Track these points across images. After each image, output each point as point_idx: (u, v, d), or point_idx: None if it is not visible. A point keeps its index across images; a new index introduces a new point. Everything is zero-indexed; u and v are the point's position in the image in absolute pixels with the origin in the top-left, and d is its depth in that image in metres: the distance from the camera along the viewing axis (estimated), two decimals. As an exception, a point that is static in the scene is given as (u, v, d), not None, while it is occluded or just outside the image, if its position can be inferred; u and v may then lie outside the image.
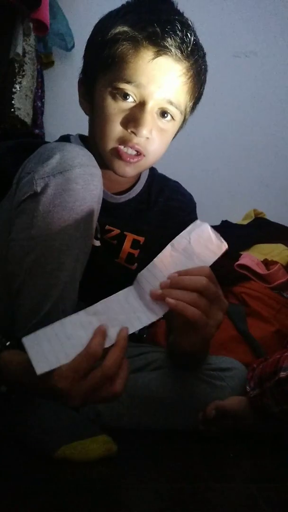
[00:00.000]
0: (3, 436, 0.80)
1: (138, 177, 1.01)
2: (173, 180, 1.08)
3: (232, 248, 1.58)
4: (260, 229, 1.76)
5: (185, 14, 0.89)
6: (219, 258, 0.72)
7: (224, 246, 0.72)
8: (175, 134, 0.95)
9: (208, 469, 0.77)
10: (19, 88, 1.72)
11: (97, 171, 0.78)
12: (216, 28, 2.08)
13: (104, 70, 0.86)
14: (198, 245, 0.70)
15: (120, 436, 0.80)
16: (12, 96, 1.70)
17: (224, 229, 1.78)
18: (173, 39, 0.81)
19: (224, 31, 2.10)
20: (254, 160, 2.12)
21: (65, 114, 1.87)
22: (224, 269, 1.47)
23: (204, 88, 0.93)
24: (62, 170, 0.75)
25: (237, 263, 1.46)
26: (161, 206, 1.02)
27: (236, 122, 2.12)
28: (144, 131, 0.84)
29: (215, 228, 0.74)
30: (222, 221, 1.83)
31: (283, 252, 1.59)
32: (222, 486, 0.69)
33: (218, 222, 1.82)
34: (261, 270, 1.45)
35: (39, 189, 0.74)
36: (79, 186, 0.75)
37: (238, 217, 1.93)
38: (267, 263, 1.50)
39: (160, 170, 1.07)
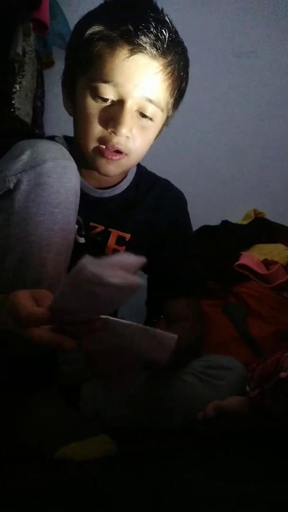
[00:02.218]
0: (3, 436, 0.80)
1: (124, 175, 1.01)
2: (163, 178, 1.08)
3: (232, 248, 1.60)
4: (260, 229, 1.76)
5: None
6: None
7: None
8: (160, 132, 0.94)
9: (208, 469, 0.77)
10: (19, 88, 1.72)
11: (70, 163, 0.78)
12: (217, 28, 2.08)
13: (82, 70, 0.87)
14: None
15: (120, 436, 0.80)
16: (12, 96, 1.70)
17: (224, 229, 1.78)
18: (147, 36, 0.82)
19: (224, 31, 2.10)
20: (254, 160, 2.12)
21: (65, 114, 1.86)
22: (224, 269, 1.47)
23: (186, 84, 0.93)
24: (34, 165, 0.74)
25: (237, 263, 1.46)
26: (150, 204, 1.02)
27: (236, 122, 2.12)
28: (124, 130, 0.84)
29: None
30: (222, 221, 1.83)
31: (283, 252, 1.58)
32: (222, 486, 0.69)
33: (218, 222, 1.82)
34: (261, 270, 1.45)
35: (12, 186, 0.74)
36: (52, 180, 0.74)
37: (238, 217, 1.93)
38: (267, 263, 1.50)
39: (159, 170, 1.07)
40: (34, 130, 1.87)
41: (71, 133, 1.04)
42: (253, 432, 0.90)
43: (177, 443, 0.90)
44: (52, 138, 1.00)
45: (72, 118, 0.94)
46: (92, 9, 0.88)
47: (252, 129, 2.12)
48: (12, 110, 1.69)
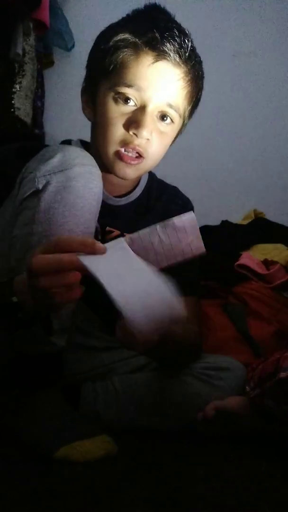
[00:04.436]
0: (3, 436, 0.80)
1: (137, 181, 1.04)
2: (172, 186, 1.12)
3: (232, 248, 1.60)
4: (260, 229, 1.76)
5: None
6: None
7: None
8: (174, 139, 0.97)
9: (208, 469, 0.77)
10: (19, 88, 1.72)
11: (96, 170, 0.80)
12: (216, 28, 2.08)
13: (106, 76, 0.90)
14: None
15: (120, 436, 0.80)
16: (12, 96, 1.70)
17: (224, 229, 1.78)
18: (172, 44, 0.85)
19: (224, 31, 2.10)
20: (254, 160, 2.12)
21: (65, 113, 1.87)
22: (224, 269, 1.47)
23: (201, 94, 0.96)
24: (63, 168, 0.77)
25: (237, 263, 1.46)
26: (160, 210, 1.05)
27: (236, 122, 2.12)
28: (145, 132, 0.87)
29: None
30: (222, 221, 1.83)
31: (283, 252, 1.59)
32: (222, 486, 0.69)
33: (218, 222, 1.82)
34: (261, 270, 1.45)
35: (40, 186, 0.76)
36: (79, 184, 0.77)
37: (238, 217, 1.93)
38: (267, 263, 1.50)
39: (161, 170, 1.08)
40: (34, 130, 1.87)
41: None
42: (253, 432, 0.90)
43: (177, 444, 0.90)
44: (68, 142, 1.02)
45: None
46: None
47: (252, 129, 2.12)
48: (12, 110, 1.70)
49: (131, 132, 0.87)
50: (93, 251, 0.63)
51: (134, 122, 0.87)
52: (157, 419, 0.96)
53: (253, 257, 1.51)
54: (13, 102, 1.70)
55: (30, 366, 0.80)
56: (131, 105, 0.88)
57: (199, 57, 0.93)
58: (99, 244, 0.63)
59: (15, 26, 1.71)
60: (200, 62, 0.93)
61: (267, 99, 2.12)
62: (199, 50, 0.93)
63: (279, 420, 0.85)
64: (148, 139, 0.88)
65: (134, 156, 0.89)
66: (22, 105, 1.73)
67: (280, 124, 2.13)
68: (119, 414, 0.97)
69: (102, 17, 0.93)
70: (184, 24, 0.91)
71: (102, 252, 0.63)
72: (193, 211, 1.11)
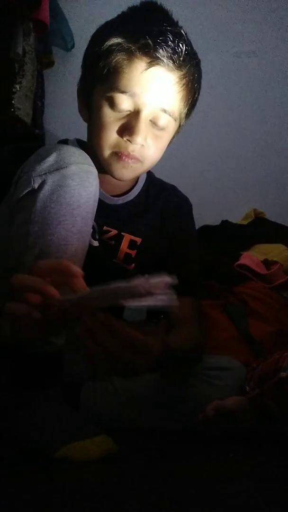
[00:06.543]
0: (3, 435, 0.80)
1: (135, 181, 1.04)
2: (170, 184, 1.11)
3: (232, 248, 1.61)
4: (260, 229, 1.77)
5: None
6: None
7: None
8: (171, 139, 0.97)
9: (208, 469, 0.77)
10: (19, 88, 1.72)
11: (92, 169, 0.80)
12: (217, 28, 2.08)
13: (100, 80, 0.89)
14: None
15: (120, 436, 0.80)
16: (12, 96, 1.70)
17: (224, 229, 1.78)
18: (165, 50, 0.85)
19: (224, 31, 2.10)
20: (254, 160, 2.12)
21: (65, 114, 1.86)
22: (224, 269, 1.47)
23: (199, 94, 0.96)
24: (59, 167, 0.77)
25: (237, 263, 1.47)
26: (159, 210, 1.06)
27: (236, 122, 2.12)
28: (139, 139, 0.87)
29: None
30: (222, 221, 1.83)
31: (283, 252, 1.59)
32: (222, 486, 0.69)
33: (218, 222, 1.82)
34: (261, 270, 1.45)
35: (36, 186, 0.76)
36: (75, 183, 0.76)
37: (238, 217, 1.93)
38: (267, 263, 1.50)
39: (161, 170, 1.08)
40: (34, 130, 1.87)
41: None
42: (253, 432, 0.90)
43: (177, 444, 0.90)
44: (65, 141, 1.01)
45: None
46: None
47: (252, 129, 2.12)
48: (12, 110, 1.70)
49: (124, 139, 0.87)
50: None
51: (127, 128, 0.87)
52: (157, 419, 0.96)
53: (253, 257, 1.52)
54: (13, 102, 1.70)
55: (30, 366, 0.80)
56: (125, 111, 0.87)
57: (196, 58, 0.91)
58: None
59: (15, 26, 1.71)
60: (196, 64, 0.92)
61: (267, 99, 2.12)
62: (199, 50, 0.92)
63: (278, 420, 0.85)
64: (142, 145, 0.88)
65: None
66: (22, 105, 1.72)
67: (280, 124, 2.13)
68: (119, 414, 0.97)
69: (102, 17, 0.93)
70: (184, 24, 0.90)
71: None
72: (192, 209, 1.11)
